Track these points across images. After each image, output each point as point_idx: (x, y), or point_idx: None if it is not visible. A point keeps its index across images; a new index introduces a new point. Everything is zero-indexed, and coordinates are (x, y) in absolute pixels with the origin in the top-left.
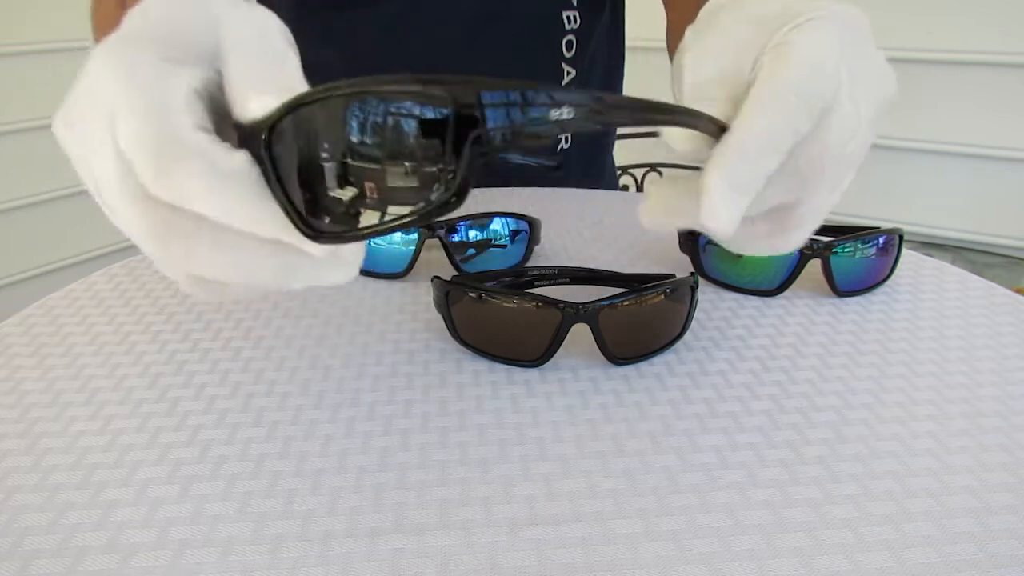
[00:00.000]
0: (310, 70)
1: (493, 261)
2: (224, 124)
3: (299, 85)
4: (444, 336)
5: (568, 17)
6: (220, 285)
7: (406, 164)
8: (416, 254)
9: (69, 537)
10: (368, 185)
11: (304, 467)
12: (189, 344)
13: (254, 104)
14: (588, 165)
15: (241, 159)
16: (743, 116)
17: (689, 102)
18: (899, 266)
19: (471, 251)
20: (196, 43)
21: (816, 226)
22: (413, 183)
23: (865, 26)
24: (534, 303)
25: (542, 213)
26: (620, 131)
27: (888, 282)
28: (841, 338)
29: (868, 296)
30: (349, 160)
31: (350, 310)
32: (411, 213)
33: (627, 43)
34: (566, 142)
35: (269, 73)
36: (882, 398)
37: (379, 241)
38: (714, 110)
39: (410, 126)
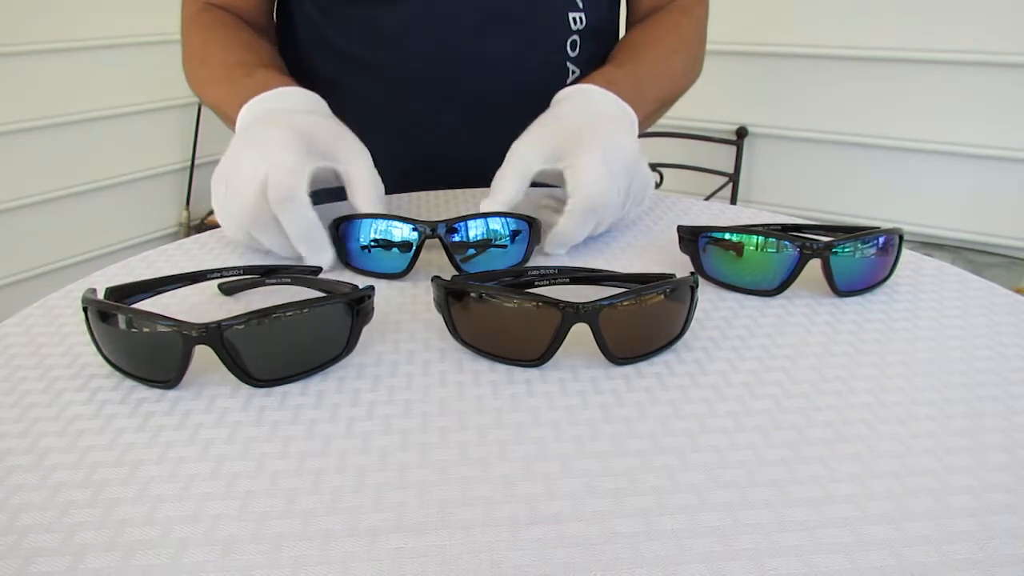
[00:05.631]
0: (333, 65)
1: (493, 261)
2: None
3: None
4: (444, 336)
5: (574, 18)
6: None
7: None
8: (416, 254)
9: (70, 535)
10: None
11: (304, 467)
12: None
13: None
14: None
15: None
16: (564, 219)
17: (512, 168)
18: (899, 266)
19: (471, 251)
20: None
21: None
22: None
23: (616, 145)
24: (534, 303)
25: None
26: None
27: (888, 282)
28: (841, 338)
29: (868, 296)
30: None
31: None
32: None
33: None
34: None
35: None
36: (882, 398)
37: (379, 240)
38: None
39: None
